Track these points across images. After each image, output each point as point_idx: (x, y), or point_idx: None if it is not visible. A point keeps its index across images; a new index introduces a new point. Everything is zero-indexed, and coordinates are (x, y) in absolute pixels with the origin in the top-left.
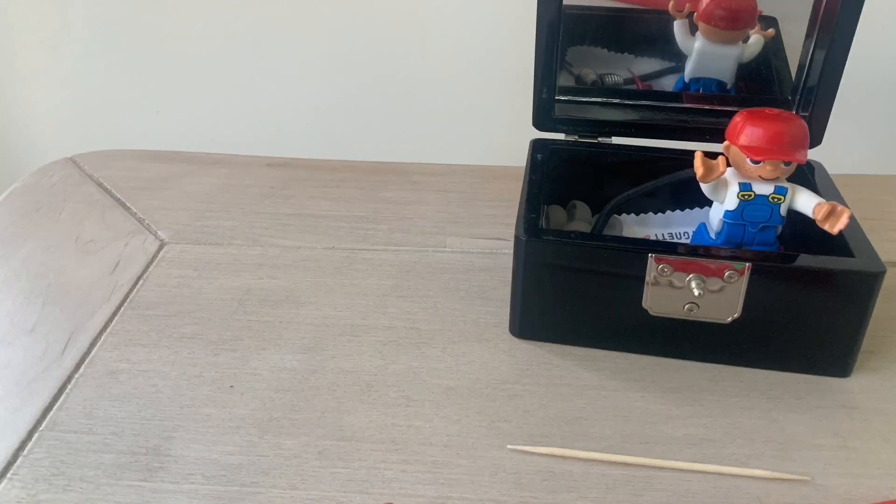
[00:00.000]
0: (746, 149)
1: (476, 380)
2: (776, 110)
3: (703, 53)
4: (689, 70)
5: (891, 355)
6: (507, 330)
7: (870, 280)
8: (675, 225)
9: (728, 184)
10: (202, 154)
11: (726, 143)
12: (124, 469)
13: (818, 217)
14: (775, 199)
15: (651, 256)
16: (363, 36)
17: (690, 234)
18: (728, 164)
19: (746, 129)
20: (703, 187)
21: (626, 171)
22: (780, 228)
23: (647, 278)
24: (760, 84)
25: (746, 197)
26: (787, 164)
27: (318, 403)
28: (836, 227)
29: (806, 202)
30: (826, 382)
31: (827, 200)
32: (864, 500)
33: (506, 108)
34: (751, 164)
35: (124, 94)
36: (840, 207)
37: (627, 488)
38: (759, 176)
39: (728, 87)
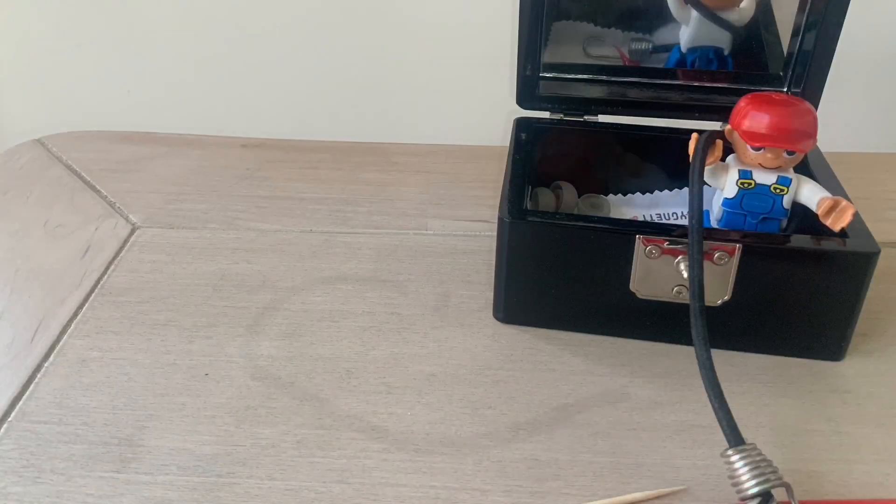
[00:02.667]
0: (747, 134)
1: (459, 366)
2: (784, 96)
3: (702, 21)
4: (686, 39)
5: (885, 338)
6: (490, 315)
7: (864, 261)
8: (663, 206)
9: (728, 169)
10: (175, 135)
11: (728, 127)
12: (96, 460)
13: (819, 212)
14: (777, 190)
15: (639, 238)
16: (342, 11)
17: (679, 214)
18: (731, 151)
19: (750, 114)
20: (705, 172)
21: (613, 150)
22: (784, 222)
23: (635, 260)
24: (751, 59)
25: (746, 185)
26: (791, 153)
27: (296, 391)
28: (837, 224)
29: (810, 195)
30: (819, 366)
31: (833, 195)
32: (858, 487)
33: (489, 85)
34: (751, 150)
35: (94, 73)
36: (844, 203)
37: (615, 476)
38: (760, 164)
39: (726, 53)
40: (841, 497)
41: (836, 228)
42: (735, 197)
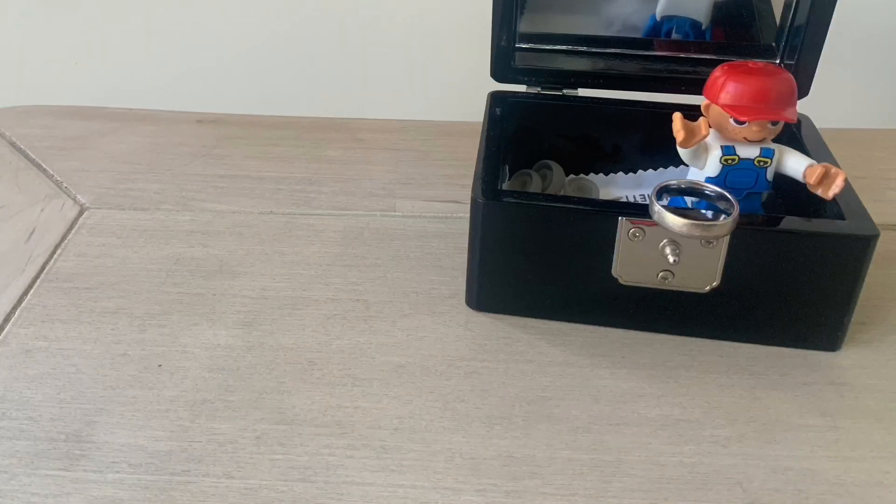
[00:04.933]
0: (730, 108)
1: (429, 356)
2: (760, 63)
3: None
4: (660, 7)
5: (883, 327)
6: (462, 302)
7: (862, 244)
8: (647, 185)
9: (709, 148)
10: (126, 110)
11: (706, 101)
12: (42, 457)
13: (810, 181)
14: (761, 163)
15: (622, 219)
16: None
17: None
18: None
19: (728, 86)
20: (682, 153)
21: (594, 126)
22: (766, 195)
23: (618, 244)
24: (741, 29)
25: (730, 161)
26: (775, 123)
27: (255, 383)
28: (830, 191)
29: (795, 165)
30: (814, 357)
31: (818, 162)
32: (855, 486)
33: (461, 57)
34: (734, 124)
35: (39, 44)
36: (834, 169)
37: (596, 474)
38: (745, 137)
39: (703, 27)
40: (837, 497)
41: (829, 196)
42: (718, 175)
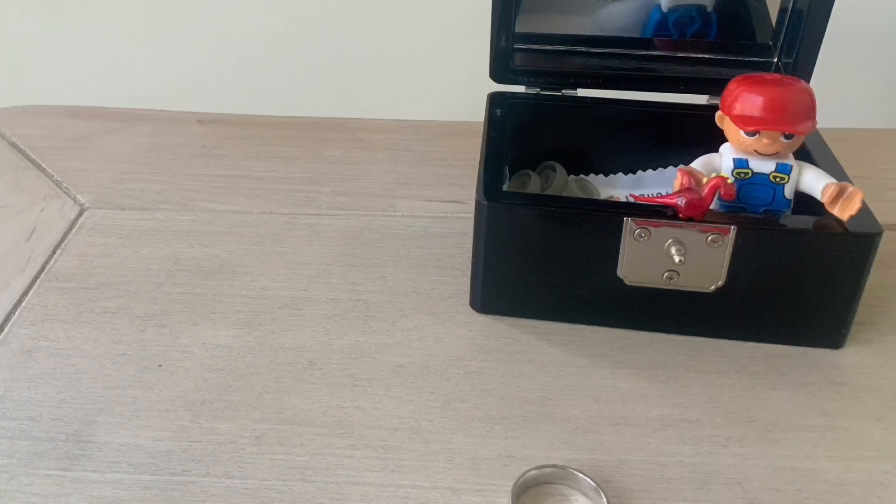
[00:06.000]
0: (739, 119)
1: (429, 356)
2: (777, 76)
3: None
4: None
5: (884, 327)
6: (462, 302)
7: (865, 242)
8: (646, 186)
9: (721, 159)
10: (126, 110)
11: (719, 113)
12: (42, 457)
13: (825, 199)
14: (777, 179)
15: (628, 220)
16: None
17: (664, 195)
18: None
19: (741, 97)
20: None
21: (593, 125)
22: (787, 214)
23: (623, 244)
24: (738, 28)
25: (742, 175)
26: (789, 136)
27: (255, 383)
28: (845, 212)
29: (813, 182)
30: (813, 356)
31: (838, 181)
32: (856, 486)
33: (460, 57)
34: (745, 136)
35: (39, 44)
36: (851, 189)
37: (596, 474)
38: (756, 151)
39: (709, 9)
40: (838, 497)
41: (845, 217)
42: None
